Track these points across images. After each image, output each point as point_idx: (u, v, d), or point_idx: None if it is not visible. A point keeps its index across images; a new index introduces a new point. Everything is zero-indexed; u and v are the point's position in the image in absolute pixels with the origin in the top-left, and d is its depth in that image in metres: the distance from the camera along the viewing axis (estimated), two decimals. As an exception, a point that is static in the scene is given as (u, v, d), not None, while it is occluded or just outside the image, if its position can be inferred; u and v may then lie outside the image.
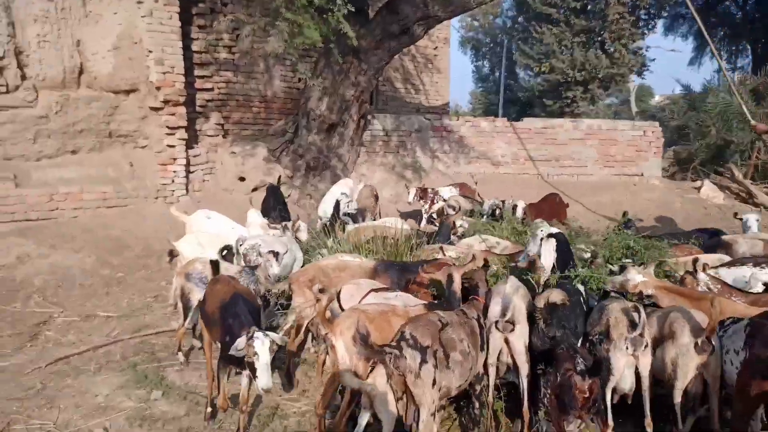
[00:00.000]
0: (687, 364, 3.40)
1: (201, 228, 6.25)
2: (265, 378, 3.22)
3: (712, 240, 6.30)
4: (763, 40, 25.47)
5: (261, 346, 3.22)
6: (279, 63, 10.10)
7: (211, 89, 9.46)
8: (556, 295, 3.77)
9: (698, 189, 11.33)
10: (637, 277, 4.21)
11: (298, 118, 9.96)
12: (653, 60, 23.72)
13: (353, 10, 7.53)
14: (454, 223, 6.63)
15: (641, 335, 3.47)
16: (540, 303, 3.71)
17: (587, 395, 3.03)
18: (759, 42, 25.98)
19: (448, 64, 14.02)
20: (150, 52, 8.01)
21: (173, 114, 8.39)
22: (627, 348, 3.47)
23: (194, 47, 9.02)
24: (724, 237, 6.03)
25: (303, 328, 4.43)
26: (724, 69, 8.46)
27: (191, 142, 9.00)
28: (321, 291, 3.93)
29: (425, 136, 10.98)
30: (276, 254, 4.76)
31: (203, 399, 4.09)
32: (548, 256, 4.52)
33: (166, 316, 5.84)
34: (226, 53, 9.54)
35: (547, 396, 3.35)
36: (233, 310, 3.63)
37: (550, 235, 4.64)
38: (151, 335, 5.36)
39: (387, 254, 5.86)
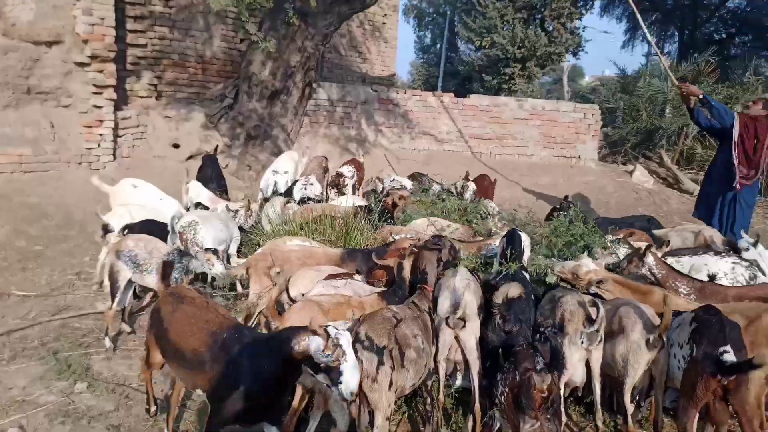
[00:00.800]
0: (638, 360, 3.40)
1: (127, 199, 5.80)
2: (354, 380, 2.61)
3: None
4: (690, 28, 26.66)
5: (347, 344, 2.61)
6: (220, 21, 9.44)
7: (144, 45, 8.72)
8: (515, 290, 3.70)
9: (630, 173, 11.75)
10: (590, 265, 4.23)
11: (239, 83, 9.40)
12: (589, 41, 24.22)
13: None
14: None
15: (597, 331, 3.48)
16: (499, 299, 3.63)
17: (546, 395, 3.01)
18: (686, 29, 27.17)
19: (396, 34, 13.70)
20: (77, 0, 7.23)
21: (101, 71, 7.67)
22: (582, 342, 3.47)
23: (127, -3, 8.28)
24: (655, 232, 6.18)
25: (254, 318, 4.17)
26: (660, 56, 8.65)
27: (120, 103, 8.30)
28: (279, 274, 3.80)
29: (371, 108, 10.70)
30: (215, 252, 4.43)
31: (134, 392, 3.78)
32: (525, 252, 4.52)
33: (91, 296, 5.38)
34: (163, 6, 8.80)
35: (504, 394, 3.31)
36: (240, 351, 2.70)
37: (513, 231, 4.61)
38: (73, 318, 4.90)
39: (336, 235, 5.66)
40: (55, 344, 4.42)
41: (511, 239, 4.42)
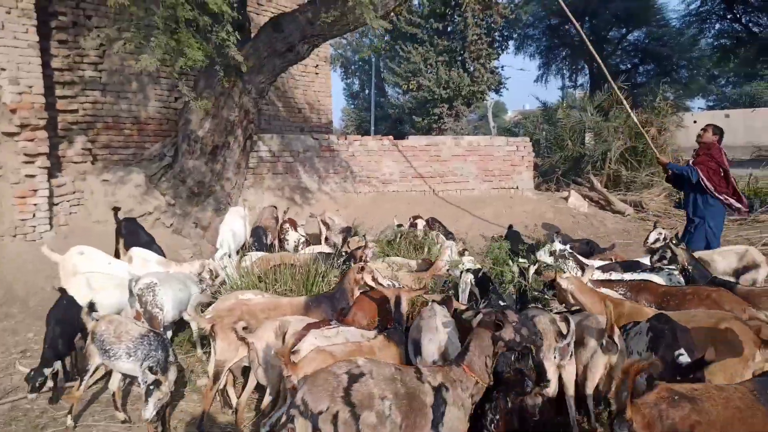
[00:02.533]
0: (596, 364, 3.63)
1: (75, 268, 5.55)
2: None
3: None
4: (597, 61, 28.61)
5: None
6: (153, 82, 9.36)
7: (76, 111, 8.48)
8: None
9: (566, 199, 12.35)
10: (563, 282, 4.48)
11: (177, 141, 9.27)
12: (508, 78, 25.60)
13: (234, 28, 7.18)
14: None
15: (569, 344, 3.64)
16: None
17: (538, 418, 3.08)
18: (594, 62, 29.17)
19: (329, 83, 13.99)
20: (2, 70, 6.98)
21: (32, 139, 7.37)
22: (555, 357, 3.62)
23: (55, 64, 8.04)
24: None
25: (223, 375, 4.04)
26: (628, 106, 9.03)
27: (54, 170, 7.97)
28: (245, 329, 3.74)
29: (313, 156, 10.80)
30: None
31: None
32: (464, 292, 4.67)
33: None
34: (93, 71, 8.63)
35: (495, 422, 3.35)
36: None
37: (468, 270, 4.78)
38: (22, 399, 4.56)
39: (297, 284, 5.62)
40: (8, 429, 4.10)
41: (482, 279, 4.62)
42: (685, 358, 3.14)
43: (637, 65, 27.44)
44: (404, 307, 3.87)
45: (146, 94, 9.50)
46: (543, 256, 5.92)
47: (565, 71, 32.79)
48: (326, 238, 7.60)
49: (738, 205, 6.96)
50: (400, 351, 3.58)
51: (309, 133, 12.01)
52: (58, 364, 4.42)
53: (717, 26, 26.91)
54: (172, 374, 3.77)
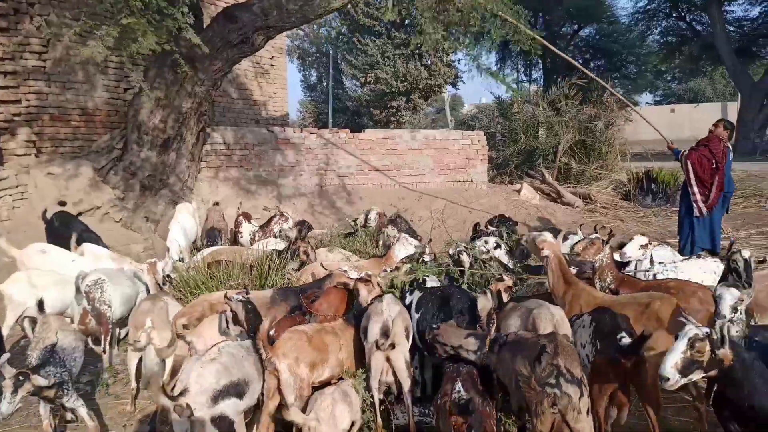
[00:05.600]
0: None
1: (35, 265, 5.39)
2: None
3: None
4: (551, 56, 29.29)
5: None
6: (100, 71, 9.08)
7: (18, 101, 8.16)
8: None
9: (518, 191, 12.64)
10: (549, 237, 4.68)
11: (126, 132, 9.02)
12: (465, 72, 25.91)
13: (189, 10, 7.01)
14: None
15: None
16: None
17: (463, 423, 2.86)
18: (548, 57, 29.84)
19: (285, 74, 13.86)
20: (-63, 58, 6.67)
21: (-29, 132, 7.08)
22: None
23: (-6, 53, 7.75)
24: None
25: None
26: (627, 101, 9.24)
27: (-5, 163, 7.69)
28: (185, 327, 3.82)
29: (269, 148, 10.70)
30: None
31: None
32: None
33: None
34: (36, 60, 8.31)
35: (432, 413, 3.44)
36: None
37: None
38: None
39: (251, 279, 5.61)
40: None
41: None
42: (626, 340, 3.29)
43: (588, 61, 28.18)
44: (362, 296, 4.03)
45: (94, 84, 9.21)
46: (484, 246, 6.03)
47: (520, 66, 33.40)
48: (280, 231, 7.57)
49: (701, 207, 6.93)
50: (357, 334, 3.86)
51: (264, 125, 11.89)
52: None
53: (663, 24, 28.00)
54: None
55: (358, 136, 11.54)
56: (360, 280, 4.12)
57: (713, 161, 6.81)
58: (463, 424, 2.82)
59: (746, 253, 3.91)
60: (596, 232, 5.27)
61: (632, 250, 5.38)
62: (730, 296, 3.46)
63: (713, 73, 35.53)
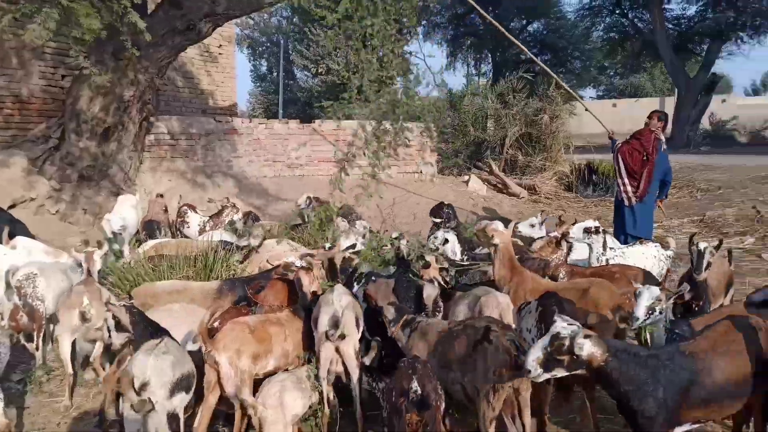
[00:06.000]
0: None
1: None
2: None
3: None
4: (500, 50, 29.85)
5: None
6: (36, 57, 8.68)
7: (-55, 87, 7.74)
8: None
9: (466, 183, 12.87)
10: (500, 227, 4.75)
11: (64, 121, 8.67)
12: (416, 64, 26.14)
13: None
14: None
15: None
16: None
17: (420, 419, 2.86)
18: (497, 51, 30.39)
19: (233, 63, 13.58)
20: None
21: None
22: None
23: None
24: None
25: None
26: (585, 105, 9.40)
27: None
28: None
29: (216, 139, 10.50)
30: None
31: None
32: None
33: None
34: (-36, 44, 7.90)
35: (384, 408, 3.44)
36: None
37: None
38: None
39: (195, 272, 5.53)
40: None
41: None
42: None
43: (536, 56, 28.74)
44: (305, 285, 3.97)
45: (29, 71, 8.82)
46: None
47: (470, 60, 33.84)
48: (228, 223, 7.46)
49: (630, 197, 7.12)
50: (304, 324, 3.84)
51: (212, 115, 11.65)
52: None
53: (607, 20, 28.90)
54: None
55: (309, 126, 11.45)
56: (302, 269, 4.08)
57: (644, 154, 7.04)
58: (419, 422, 2.83)
59: (702, 245, 4.00)
60: (561, 223, 5.49)
61: (577, 233, 5.58)
62: (648, 295, 3.43)
63: (653, 69, 37.00)
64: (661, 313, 3.47)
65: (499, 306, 3.86)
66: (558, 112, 14.80)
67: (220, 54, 13.26)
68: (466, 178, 13.28)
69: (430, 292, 4.34)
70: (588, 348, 2.66)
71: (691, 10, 26.55)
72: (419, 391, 2.88)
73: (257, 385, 3.46)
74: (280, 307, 4.19)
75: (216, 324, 3.72)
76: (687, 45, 27.06)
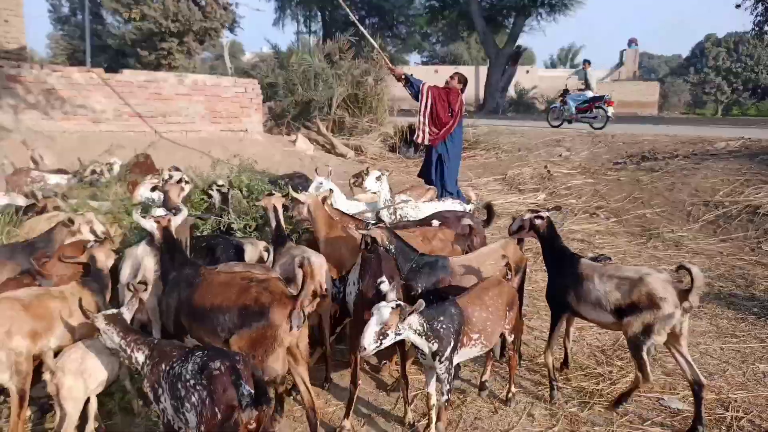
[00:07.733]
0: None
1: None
2: None
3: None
4: (329, 9, 29.74)
5: None
6: None
7: None
8: None
9: (294, 143, 12.79)
10: (301, 197, 4.75)
11: None
12: (243, 17, 25.04)
13: None
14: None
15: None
16: None
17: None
18: (327, 9, 30.24)
19: (21, 1, 11.68)
20: None
21: None
22: None
23: None
24: None
25: None
26: (381, 54, 9.25)
27: None
28: None
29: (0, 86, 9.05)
30: None
31: None
32: None
33: None
34: None
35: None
36: None
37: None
38: None
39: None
40: None
41: None
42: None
43: (364, 18, 29.23)
44: (100, 261, 3.72)
45: None
46: None
47: (300, 17, 33.23)
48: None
49: (425, 135, 7.48)
50: (95, 297, 3.58)
51: (-7, 58, 10.00)
52: None
53: (429, -13, 30.21)
54: None
55: (114, 77, 10.36)
56: (95, 244, 3.79)
57: (450, 109, 7.43)
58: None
59: (544, 213, 4.14)
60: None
61: (371, 184, 5.86)
62: (377, 319, 3.01)
63: (469, 39, 39.71)
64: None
65: (316, 262, 3.99)
66: (383, 75, 15.24)
67: (2, -13, 11.35)
68: (293, 137, 13.19)
69: (252, 254, 4.44)
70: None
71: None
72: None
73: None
74: (71, 277, 3.82)
75: None
76: (497, 17, 29.37)
